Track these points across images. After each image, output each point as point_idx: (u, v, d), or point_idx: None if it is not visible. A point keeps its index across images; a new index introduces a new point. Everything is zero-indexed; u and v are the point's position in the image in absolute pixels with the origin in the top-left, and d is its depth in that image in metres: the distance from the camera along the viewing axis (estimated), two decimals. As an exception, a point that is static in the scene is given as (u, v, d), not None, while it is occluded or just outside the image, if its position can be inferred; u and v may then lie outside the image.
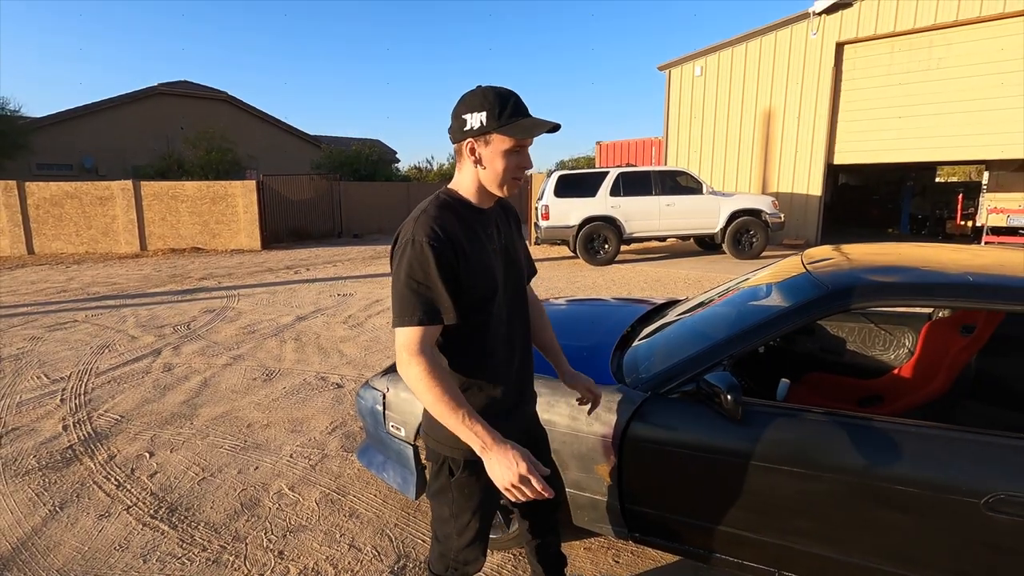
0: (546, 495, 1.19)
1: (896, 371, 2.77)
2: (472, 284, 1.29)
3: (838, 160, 12.78)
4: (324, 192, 16.89)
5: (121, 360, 4.92)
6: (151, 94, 21.02)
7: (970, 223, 13.95)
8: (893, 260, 2.11)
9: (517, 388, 1.49)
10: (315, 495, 2.70)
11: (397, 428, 2.44)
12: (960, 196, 14.51)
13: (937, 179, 19.92)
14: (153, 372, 4.59)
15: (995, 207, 12.17)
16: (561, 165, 28.11)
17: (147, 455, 3.14)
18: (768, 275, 2.46)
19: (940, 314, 2.74)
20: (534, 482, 1.18)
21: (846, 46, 12.19)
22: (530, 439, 1.54)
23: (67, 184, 13.68)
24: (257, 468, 2.98)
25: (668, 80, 14.64)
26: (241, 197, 13.80)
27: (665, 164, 14.48)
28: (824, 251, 2.49)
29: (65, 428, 3.52)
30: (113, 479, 2.89)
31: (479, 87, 1.29)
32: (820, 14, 12.09)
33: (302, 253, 13.03)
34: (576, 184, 10.51)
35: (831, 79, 12.25)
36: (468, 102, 1.27)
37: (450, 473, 1.40)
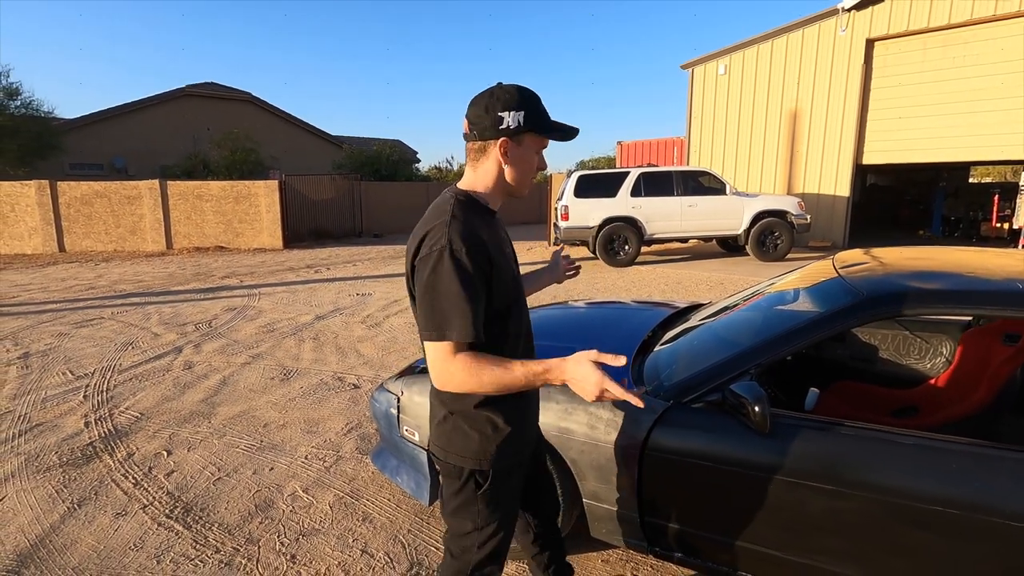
0: (634, 401, 1.14)
1: (932, 381, 2.64)
2: (501, 292, 1.26)
3: (867, 160, 12.43)
4: (345, 192, 17.03)
5: (144, 357, 4.99)
6: (178, 95, 21.46)
7: (1006, 225, 13.44)
8: (931, 265, 2.00)
9: (535, 391, 1.48)
10: (329, 498, 2.68)
11: (411, 432, 2.40)
12: (996, 197, 14.00)
13: (971, 179, 19.29)
14: (174, 370, 4.64)
15: (1033, 209, 11.69)
16: (581, 165, 27.94)
17: (165, 453, 3.16)
18: (797, 279, 2.36)
19: (980, 322, 2.61)
20: (613, 389, 1.15)
21: (876, 43, 11.85)
22: (537, 443, 1.57)
23: (97, 184, 14.02)
24: (272, 469, 2.97)
25: (691, 79, 14.42)
26: (264, 197, 13.99)
27: (687, 164, 14.27)
28: (856, 255, 2.38)
29: (87, 425, 3.56)
30: (131, 477, 2.91)
31: (509, 85, 1.27)
32: (849, 10, 11.76)
33: (323, 253, 13.15)
34: (596, 184, 10.40)
35: (860, 77, 11.92)
36: (504, 100, 1.24)
37: (477, 486, 1.34)
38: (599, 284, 8.52)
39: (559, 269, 1.81)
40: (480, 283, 1.19)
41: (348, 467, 2.97)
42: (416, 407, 2.38)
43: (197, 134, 20.86)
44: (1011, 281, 1.67)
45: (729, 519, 1.75)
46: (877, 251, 2.40)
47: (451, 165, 30.71)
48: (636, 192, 10.25)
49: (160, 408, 3.83)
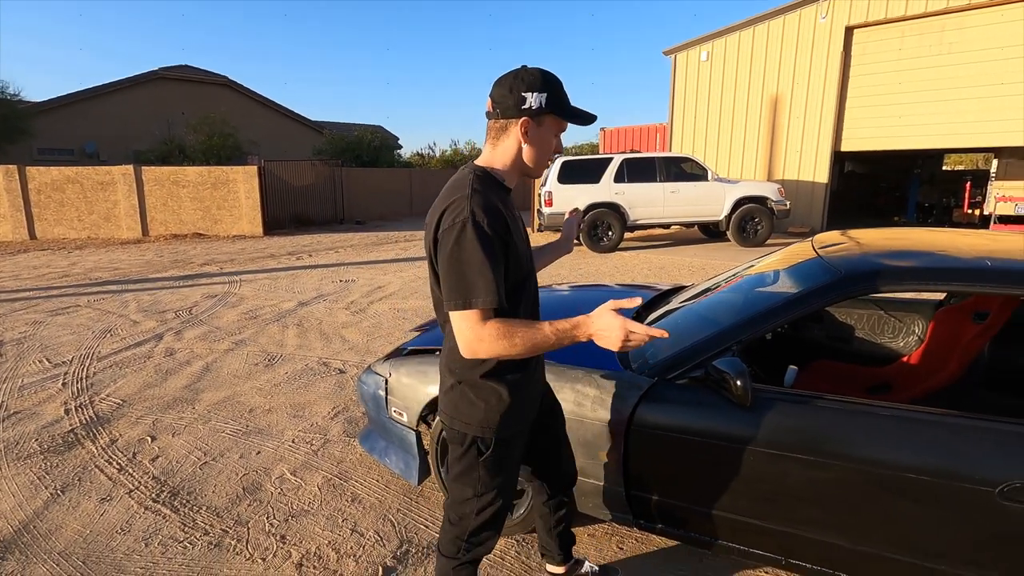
0: (658, 334, 1.20)
1: (905, 359, 2.73)
2: (516, 264, 1.31)
3: (845, 147, 12.64)
4: (326, 178, 16.80)
5: (123, 345, 4.91)
6: (151, 78, 20.86)
7: (977, 212, 13.83)
8: (905, 245, 2.06)
9: (540, 361, 1.55)
10: (317, 480, 2.69)
11: (399, 413, 2.42)
12: (968, 184, 14.36)
13: (944, 167, 19.72)
14: (155, 357, 4.57)
15: (1003, 195, 12.03)
16: (564, 151, 27.91)
17: (149, 439, 3.13)
18: (778, 260, 2.41)
19: (951, 301, 2.70)
20: (638, 329, 1.20)
21: (855, 30, 11.99)
22: (546, 407, 1.65)
23: (68, 169, 13.62)
24: (259, 453, 2.97)
25: (674, 65, 14.46)
26: (243, 183, 13.73)
27: (670, 150, 14.34)
28: (834, 236, 2.44)
29: (67, 412, 3.51)
30: (115, 463, 2.88)
31: (533, 68, 1.32)
32: (830, -3, 11.87)
33: (304, 239, 12.99)
34: (580, 170, 10.42)
35: (840, 64, 12.07)
36: (528, 81, 1.29)
37: (479, 452, 1.41)
38: (583, 269, 8.57)
39: (570, 240, 1.88)
40: (501, 252, 1.24)
41: (336, 450, 2.98)
42: (404, 388, 2.40)
43: (172, 119, 20.32)
44: (981, 259, 1.74)
45: (712, 491, 1.80)
46: (854, 232, 2.47)
47: (433, 151, 30.45)
48: (619, 178, 10.29)
49: (142, 395, 3.78)
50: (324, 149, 21.49)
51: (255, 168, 13.84)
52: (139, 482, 2.69)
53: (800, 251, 2.30)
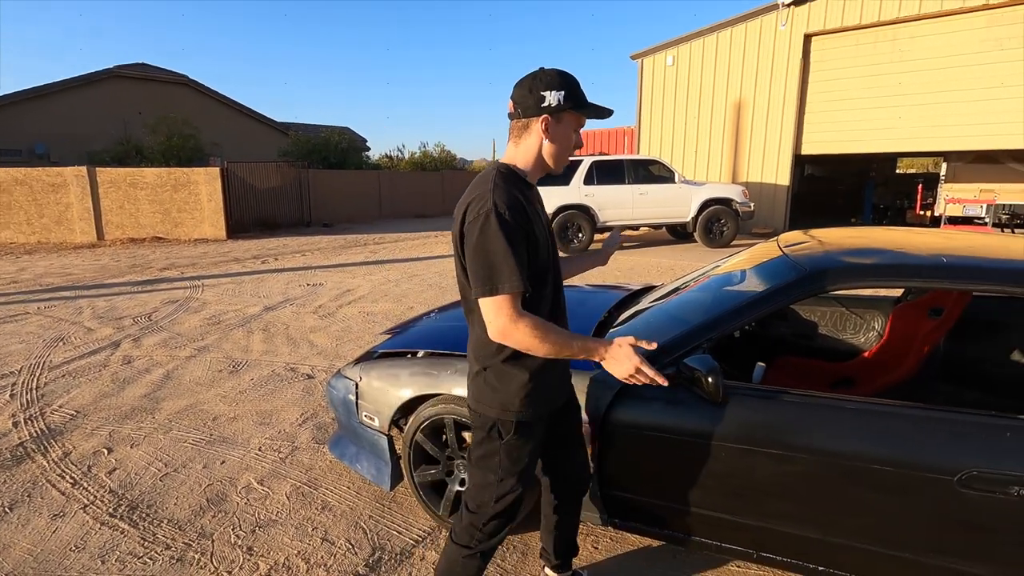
0: (660, 381, 1.36)
1: (866, 354, 2.82)
2: (536, 256, 1.37)
3: (805, 150, 13.04)
4: (292, 180, 16.44)
5: (77, 353, 4.69)
6: (105, 77, 20.06)
7: (929, 213, 14.44)
8: (867, 243, 2.12)
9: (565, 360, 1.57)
10: (286, 488, 2.61)
11: (371, 418, 2.37)
12: (920, 187, 14.99)
13: (897, 170, 20.55)
14: (111, 365, 4.39)
15: (952, 197, 12.61)
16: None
17: (105, 451, 3.00)
18: (745, 259, 2.46)
19: (908, 297, 2.80)
20: (646, 370, 1.34)
21: (814, 38, 12.40)
22: (569, 406, 1.68)
23: (15, 170, 12.97)
24: (224, 462, 2.87)
25: (640, 69, 14.68)
26: (205, 185, 13.33)
27: (638, 153, 14.55)
28: (798, 235, 2.50)
29: (15, 424, 3.32)
30: (68, 477, 2.74)
31: (550, 69, 1.39)
32: (789, 5, 12.25)
33: (270, 243, 12.69)
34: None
35: (799, 70, 12.46)
36: (546, 81, 1.36)
37: (499, 436, 1.46)
38: (554, 271, 8.60)
39: (608, 253, 1.94)
40: (523, 241, 1.31)
41: (305, 457, 2.91)
42: (375, 392, 2.35)
43: (128, 119, 19.56)
44: (937, 256, 1.80)
45: (685, 488, 1.82)
46: (817, 232, 2.53)
47: (402, 153, 30.13)
48: (589, 180, 10.38)
49: (98, 405, 3.62)
50: (290, 151, 21.03)
51: (218, 170, 13.46)
52: (95, 496, 2.57)
53: (766, 250, 2.35)
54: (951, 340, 2.57)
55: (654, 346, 1.39)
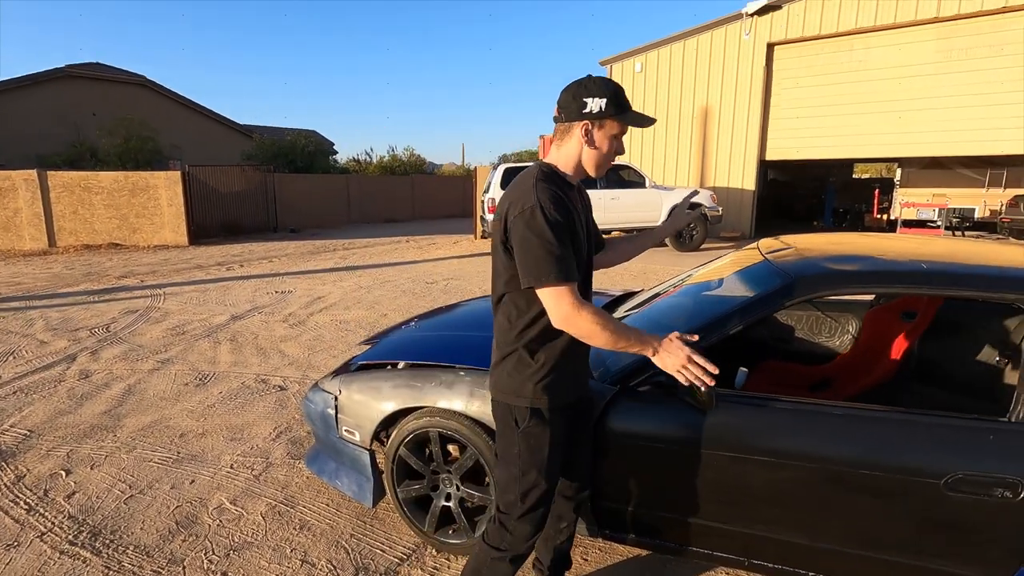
0: (710, 368, 1.37)
1: (842, 356, 2.88)
2: (577, 251, 1.42)
3: (770, 156, 13.40)
4: (258, 184, 16.04)
5: (29, 368, 4.43)
6: (56, 76, 19.17)
7: (885, 216, 15.03)
8: (848, 249, 2.16)
9: (584, 351, 1.59)
10: (261, 508, 2.50)
11: (351, 432, 2.29)
12: (877, 192, 15.59)
13: (854, 176, 21.34)
14: (68, 380, 4.15)
15: (907, 201, 13.15)
16: (504, 159, 28.05)
17: (63, 473, 2.82)
18: (728, 265, 2.47)
19: (880, 301, 2.87)
20: (698, 359, 1.38)
21: (776, 47, 12.77)
22: (585, 404, 1.70)
23: (-41, 174, 12.29)
24: (193, 481, 2.73)
25: (609, 75, 14.85)
26: (165, 189, 12.87)
27: (608, 158, 14.69)
28: (778, 242, 2.53)
29: (-38, 447, 3.11)
30: (23, 502, 2.57)
31: (597, 77, 1.43)
32: (752, 15, 12.59)
33: (234, 248, 12.32)
34: (522, 177, 10.46)
35: (763, 78, 12.80)
36: (589, 88, 1.41)
37: (516, 424, 1.49)
38: (528, 276, 8.58)
39: (667, 231, 1.88)
40: (567, 235, 1.36)
41: (280, 474, 2.79)
42: (356, 406, 2.28)
43: (81, 120, 18.77)
44: (916, 263, 1.84)
45: (676, 496, 1.81)
46: (796, 238, 2.57)
47: (370, 157, 29.75)
48: (561, 185, 10.41)
49: (54, 423, 3.41)
50: (255, 154, 20.51)
51: (179, 173, 13.02)
52: (53, 523, 2.41)
53: (749, 256, 2.37)
54: (925, 343, 2.63)
55: (696, 338, 1.43)
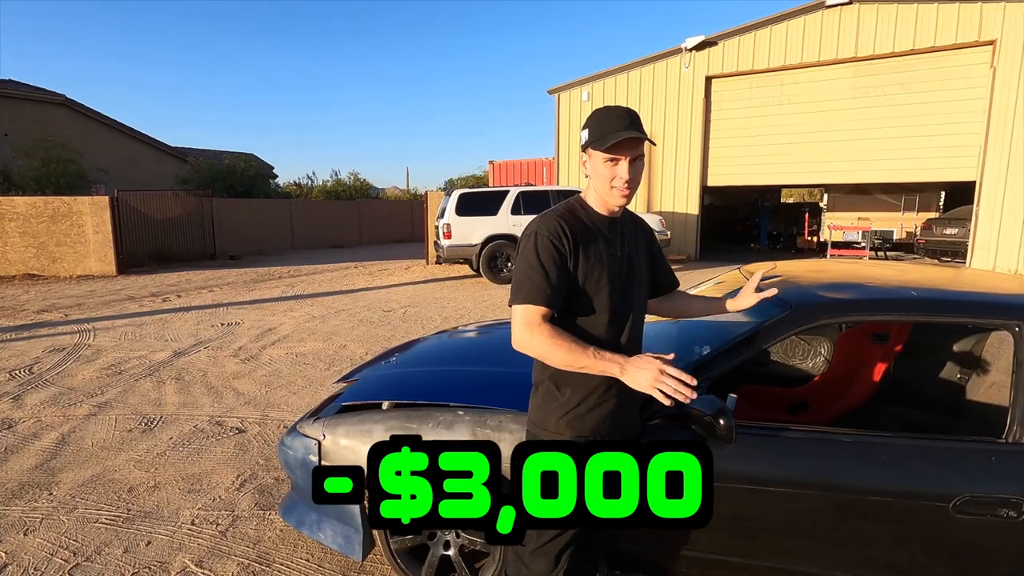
0: (687, 379, 1.26)
1: (817, 379, 2.97)
2: (583, 279, 1.42)
3: (711, 182, 14.06)
4: (194, 210, 15.23)
5: (-62, 419, 3.91)
6: (-36, 93, 17.69)
7: (815, 239, 16.02)
8: (835, 277, 2.24)
9: (626, 391, 1.41)
10: (232, 569, 2.27)
11: (338, 481, 2.12)
12: (807, 215, 16.63)
13: (781, 200, 22.72)
14: (-13, 431, 3.69)
15: (834, 224, 14.08)
16: (451, 183, 28.02)
17: (-10, 543, 2.47)
18: (715, 291, 2.50)
19: (850, 324, 2.99)
20: (671, 371, 1.28)
21: (714, 80, 13.52)
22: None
23: None
24: (150, 543, 2.45)
25: (557, 104, 15.24)
26: (91, 215, 11.98)
27: (558, 183, 14.98)
28: (764, 267, 2.59)
29: None
30: (-59, 581, 2.22)
31: (598, 108, 1.47)
32: (691, 50, 13.31)
33: (170, 278, 11.58)
34: (477, 203, 10.46)
35: (702, 109, 13.50)
36: (586, 120, 1.46)
37: None
38: (486, 302, 8.52)
39: (738, 304, 1.71)
40: (553, 263, 1.38)
41: (249, 528, 2.56)
42: (343, 451, 2.12)
43: (-8, 140, 17.33)
44: (907, 289, 1.92)
45: (690, 532, 1.77)
46: (763, 265, 2.64)
47: (312, 181, 29.02)
48: (516, 210, 10.47)
49: (-27, 483, 3.01)
50: (190, 178, 19.55)
51: (106, 199, 12.18)
52: (-19, 604, 2.09)
53: (737, 283, 2.41)
54: (899, 365, 2.75)
55: (671, 357, 1.33)
